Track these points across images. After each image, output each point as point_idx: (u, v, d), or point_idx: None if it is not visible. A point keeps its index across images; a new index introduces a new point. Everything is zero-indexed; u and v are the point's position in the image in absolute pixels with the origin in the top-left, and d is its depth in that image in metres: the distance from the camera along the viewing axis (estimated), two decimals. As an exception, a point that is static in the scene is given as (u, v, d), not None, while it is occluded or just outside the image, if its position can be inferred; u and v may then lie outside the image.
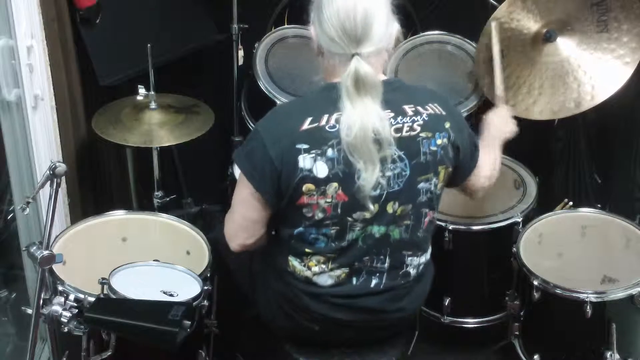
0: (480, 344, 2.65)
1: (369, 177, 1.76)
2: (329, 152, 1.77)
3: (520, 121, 2.35)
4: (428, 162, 1.83)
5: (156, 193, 2.70)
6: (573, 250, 2.43)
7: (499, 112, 2.33)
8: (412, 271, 1.96)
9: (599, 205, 2.77)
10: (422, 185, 1.85)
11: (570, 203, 2.63)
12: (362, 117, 1.73)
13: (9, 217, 2.52)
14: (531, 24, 2.45)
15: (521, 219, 2.43)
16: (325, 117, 1.78)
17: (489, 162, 2.08)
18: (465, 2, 2.58)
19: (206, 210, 3.08)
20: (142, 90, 2.55)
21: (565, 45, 2.43)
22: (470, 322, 2.57)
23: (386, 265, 1.91)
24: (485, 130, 2.23)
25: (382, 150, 1.77)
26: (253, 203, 1.87)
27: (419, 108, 1.83)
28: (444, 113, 1.86)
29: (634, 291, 2.14)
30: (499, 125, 2.26)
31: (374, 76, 1.75)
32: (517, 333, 2.39)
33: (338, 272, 1.90)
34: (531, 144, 2.94)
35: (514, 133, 2.28)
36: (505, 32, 2.45)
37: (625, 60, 2.35)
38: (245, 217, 1.91)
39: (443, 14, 2.93)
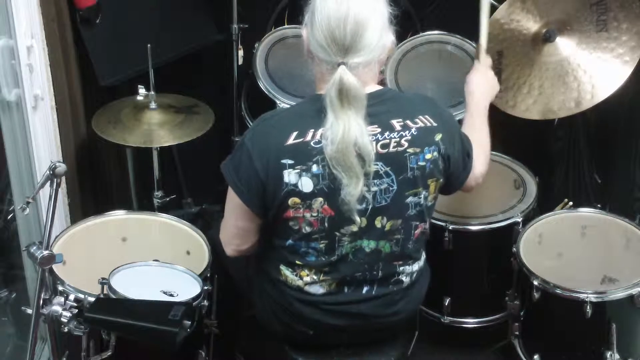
0: (480, 344, 2.64)
1: (353, 190, 1.75)
2: (314, 168, 1.76)
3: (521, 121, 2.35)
4: (416, 177, 1.82)
5: (156, 193, 2.70)
6: (573, 250, 2.42)
7: (479, 69, 2.30)
8: (405, 279, 1.95)
9: (599, 205, 2.77)
10: (410, 199, 1.84)
11: (570, 203, 2.63)
12: (344, 130, 1.71)
13: (9, 217, 2.52)
14: (531, 24, 2.45)
15: (521, 219, 2.43)
16: (311, 132, 1.76)
17: (481, 156, 2.06)
18: (465, 2, 2.57)
19: (206, 210, 3.07)
20: (142, 90, 2.55)
21: (565, 45, 2.43)
22: (470, 322, 2.57)
23: (378, 276, 1.91)
24: (469, 97, 2.21)
25: (366, 165, 1.75)
26: (242, 213, 1.87)
27: (408, 122, 1.81)
28: (435, 124, 1.83)
29: (634, 291, 2.14)
30: (482, 85, 2.24)
31: (358, 88, 1.72)
32: (517, 333, 2.39)
33: (329, 282, 1.90)
34: (531, 144, 2.95)
35: (497, 89, 2.27)
36: (505, 32, 2.45)
37: (624, 59, 2.35)
38: (237, 226, 1.92)
39: (443, 14, 2.93)
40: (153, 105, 2.55)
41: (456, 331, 2.59)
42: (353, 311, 1.93)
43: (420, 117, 1.83)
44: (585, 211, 2.47)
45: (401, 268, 1.93)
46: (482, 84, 2.25)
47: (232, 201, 1.87)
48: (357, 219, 1.80)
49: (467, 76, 2.28)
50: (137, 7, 2.78)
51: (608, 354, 2.15)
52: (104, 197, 2.91)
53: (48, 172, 1.73)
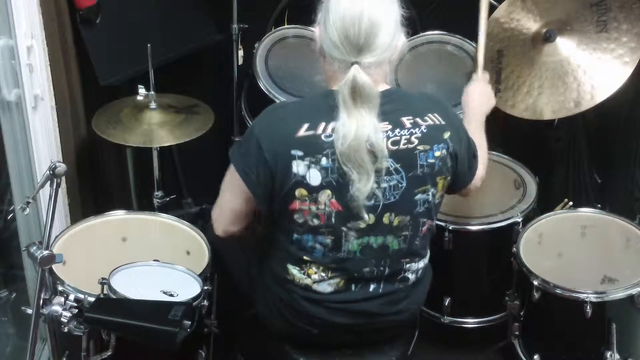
0: (480, 344, 2.65)
1: (363, 187, 1.75)
2: (323, 161, 1.76)
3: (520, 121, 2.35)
4: (425, 175, 1.83)
5: (156, 193, 2.70)
6: (573, 250, 2.43)
7: (477, 84, 2.32)
8: (411, 276, 1.96)
9: (599, 205, 2.77)
10: (419, 196, 1.84)
11: (570, 203, 2.63)
12: (357, 128, 1.72)
13: (9, 217, 2.52)
14: (531, 24, 2.45)
15: (521, 219, 2.43)
16: (322, 125, 1.77)
17: (481, 162, 2.07)
18: (465, 2, 2.58)
19: (206, 210, 3.07)
20: (142, 90, 2.54)
21: (565, 45, 2.43)
22: (470, 322, 2.58)
23: (385, 273, 1.92)
24: (466, 108, 2.23)
25: (377, 161, 1.76)
26: (242, 197, 1.88)
27: (418, 120, 1.82)
28: (443, 123, 1.84)
29: (634, 291, 2.14)
30: (479, 96, 2.26)
31: (371, 87, 1.73)
32: (517, 333, 2.39)
33: (337, 279, 1.91)
34: (531, 144, 2.95)
35: (493, 103, 2.29)
36: (505, 32, 2.45)
37: (624, 59, 2.36)
38: (231, 208, 1.94)
39: (443, 14, 2.93)
40: (153, 105, 2.55)
41: (456, 331, 2.59)
42: (359, 309, 1.93)
43: (430, 115, 1.84)
44: (585, 211, 2.47)
45: (407, 265, 1.93)
46: (479, 96, 2.28)
47: (235, 184, 1.87)
48: (366, 215, 1.81)
49: (466, 88, 2.31)
50: (137, 7, 2.78)
51: (608, 354, 2.15)
52: (104, 197, 2.91)
53: (48, 172, 1.73)
